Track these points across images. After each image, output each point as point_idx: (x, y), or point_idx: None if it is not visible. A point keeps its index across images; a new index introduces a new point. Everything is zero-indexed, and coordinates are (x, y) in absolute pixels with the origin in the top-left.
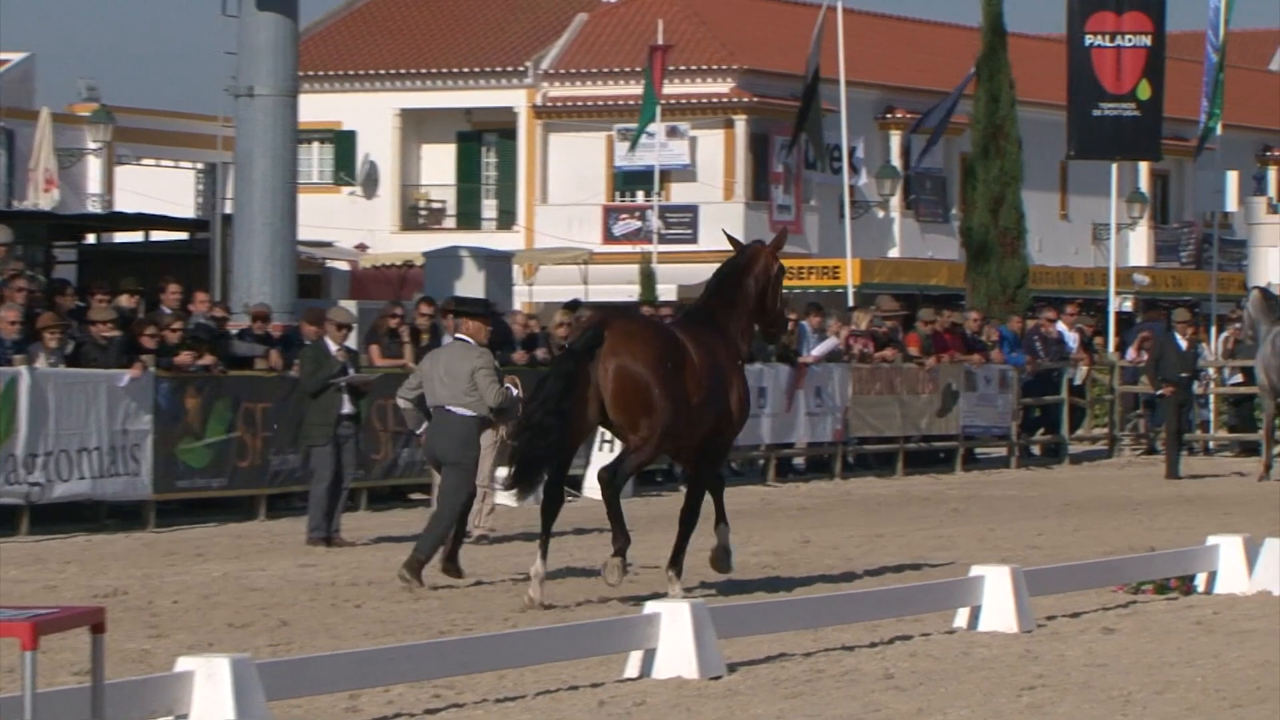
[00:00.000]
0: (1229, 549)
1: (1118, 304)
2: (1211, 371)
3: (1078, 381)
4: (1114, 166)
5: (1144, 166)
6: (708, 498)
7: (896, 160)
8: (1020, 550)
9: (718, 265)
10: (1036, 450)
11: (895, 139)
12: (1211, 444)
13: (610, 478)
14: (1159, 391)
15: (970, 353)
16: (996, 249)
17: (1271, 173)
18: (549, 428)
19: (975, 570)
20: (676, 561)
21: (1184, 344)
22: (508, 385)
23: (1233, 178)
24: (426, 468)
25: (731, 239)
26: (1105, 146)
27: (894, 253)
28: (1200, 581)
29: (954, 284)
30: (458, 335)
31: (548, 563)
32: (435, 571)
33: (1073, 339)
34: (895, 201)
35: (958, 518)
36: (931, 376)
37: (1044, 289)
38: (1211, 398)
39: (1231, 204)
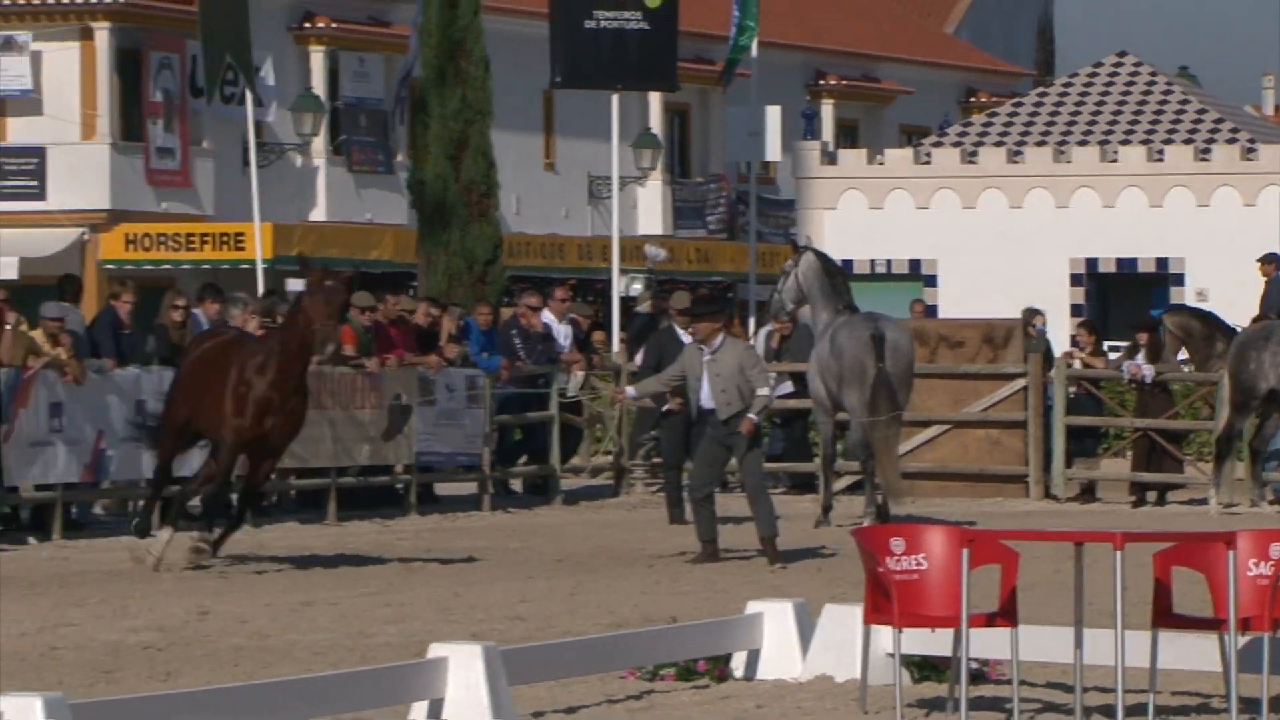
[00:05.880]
0: (776, 620)
1: (624, 286)
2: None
3: (571, 393)
4: (614, 99)
5: (655, 99)
6: None
7: (320, 87)
8: (497, 622)
9: (82, 232)
10: (517, 486)
11: (318, 57)
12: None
13: None
14: (665, 407)
15: (425, 353)
16: (459, 210)
17: (827, 108)
18: None
19: (436, 650)
20: None
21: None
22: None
23: (775, 116)
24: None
25: None
26: (603, 72)
27: (318, 215)
28: (739, 663)
29: (402, 258)
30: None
31: None
32: None
33: (564, 334)
34: (319, 144)
35: (413, 578)
36: (373, 386)
37: (525, 265)
38: None
39: (774, 151)
